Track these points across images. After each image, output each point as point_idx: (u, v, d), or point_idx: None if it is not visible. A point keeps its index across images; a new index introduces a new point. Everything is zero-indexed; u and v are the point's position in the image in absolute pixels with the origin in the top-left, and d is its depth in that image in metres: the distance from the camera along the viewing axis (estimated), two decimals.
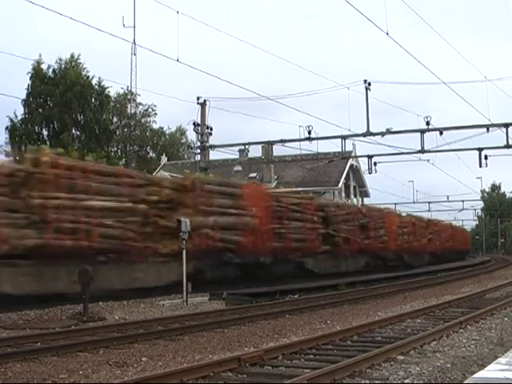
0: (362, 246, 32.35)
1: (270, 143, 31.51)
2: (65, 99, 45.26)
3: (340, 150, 30.83)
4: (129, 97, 54.49)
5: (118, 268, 18.32)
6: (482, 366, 8.01)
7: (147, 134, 59.94)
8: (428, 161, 32.84)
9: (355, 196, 53.53)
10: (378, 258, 35.59)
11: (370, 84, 27.93)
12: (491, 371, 6.74)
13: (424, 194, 67.79)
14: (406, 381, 7.89)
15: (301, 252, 26.49)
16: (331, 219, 29.53)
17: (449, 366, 8.79)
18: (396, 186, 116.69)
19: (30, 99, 46.19)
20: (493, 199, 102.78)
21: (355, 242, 31.34)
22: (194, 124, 30.37)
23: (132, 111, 55.74)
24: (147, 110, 59.17)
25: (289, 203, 26.07)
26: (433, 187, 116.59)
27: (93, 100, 47.78)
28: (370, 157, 31.00)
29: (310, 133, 28.69)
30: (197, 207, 20.98)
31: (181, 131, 65.32)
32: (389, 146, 29.63)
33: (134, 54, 44.60)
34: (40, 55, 46.89)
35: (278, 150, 34.40)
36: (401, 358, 9.35)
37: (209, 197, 21.73)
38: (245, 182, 26.96)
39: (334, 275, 28.00)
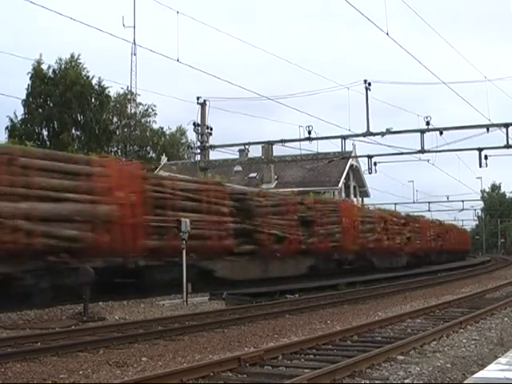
0: (305, 245, 26.96)
1: (270, 143, 31.51)
2: (64, 99, 45.31)
3: (340, 149, 30.83)
4: (129, 97, 54.57)
5: None
6: (482, 366, 8.01)
7: (147, 133, 60.00)
8: (428, 161, 32.90)
9: (355, 196, 53.53)
10: (329, 259, 29.76)
11: (370, 84, 27.94)
12: (491, 371, 6.74)
13: (424, 194, 67.81)
14: (406, 381, 7.89)
15: (198, 252, 20.54)
16: (253, 211, 23.90)
17: (449, 365, 8.79)
18: (396, 185, 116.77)
19: (30, 99, 46.26)
20: (493, 199, 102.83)
21: (292, 241, 25.93)
22: (194, 124, 30.38)
23: (132, 111, 55.84)
24: (147, 110, 59.31)
25: (177, 189, 20.52)
26: (433, 187, 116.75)
27: (93, 100, 47.84)
28: (369, 157, 31.00)
29: (310, 133, 28.70)
30: None
31: (181, 131, 65.40)
32: (389, 146, 29.67)
33: (134, 54, 44.60)
34: (40, 55, 47.11)
35: (278, 150, 34.42)
36: (401, 357, 9.35)
37: (23, 174, 15.76)
38: (97, 158, 19.58)
39: (261, 282, 22.77)
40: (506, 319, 14.17)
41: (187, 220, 18.72)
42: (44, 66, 46.65)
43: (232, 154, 36.76)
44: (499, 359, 7.69)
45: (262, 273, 24.37)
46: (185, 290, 18.28)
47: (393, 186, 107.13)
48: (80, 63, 47.93)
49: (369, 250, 33.62)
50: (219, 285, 21.22)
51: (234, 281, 22.05)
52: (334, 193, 47.09)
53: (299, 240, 26.56)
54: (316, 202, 29.42)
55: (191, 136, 53.73)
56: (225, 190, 23.16)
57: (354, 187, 53.80)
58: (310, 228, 27.79)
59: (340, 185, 47.98)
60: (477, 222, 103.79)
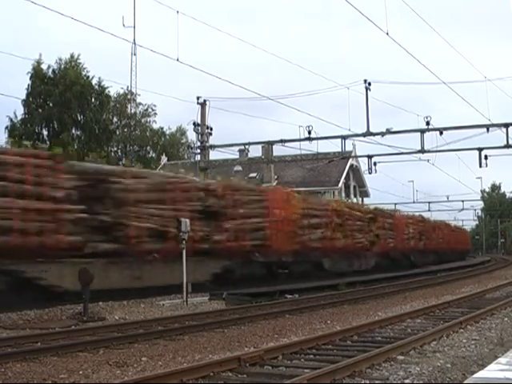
0: (208, 243, 21.26)
1: (270, 143, 31.50)
2: (64, 99, 45.28)
3: (340, 150, 30.81)
4: (129, 97, 54.54)
5: None
6: (482, 366, 8.01)
7: (147, 133, 59.99)
8: (428, 161, 32.89)
9: (355, 196, 53.57)
10: (250, 262, 23.81)
11: (370, 84, 27.91)
12: (491, 371, 6.74)
13: (424, 193, 67.74)
14: (406, 381, 7.89)
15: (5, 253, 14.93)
16: (115, 197, 18.33)
17: (449, 365, 8.79)
18: (396, 186, 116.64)
19: (30, 99, 46.21)
20: (493, 199, 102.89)
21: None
22: (194, 124, 30.38)
23: (132, 111, 55.81)
24: (147, 109, 59.28)
25: None
26: (433, 187, 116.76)
27: (93, 100, 47.81)
28: (369, 157, 30.98)
29: (310, 133, 28.67)
30: None
31: (181, 131, 65.41)
32: (389, 146, 29.64)
33: (134, 54, 44.60)
34: (40, 55, 47.01)
35: (278, 150, 34.37)
36: (401, 357, 9.35)
37: None
38: None
39: (129, 291, 18.12)
40: (506, 319, 14.17)
41: (187, 220, 18.64)
42: (44, 66, 46.67)
43: (232, 153, 36.79)
44: (499, 359, 7.68)
45: (133, 280, 18.46)
46: (185, 289, 18.28)
47: (393, 186, 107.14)
48: (80, 63, 47.91)
49: (315, 249, 27.61)
50: (51, 298, 16.33)
51: (79, 291, 15.77)
52: (334, 193, 47.12)
53: (197, 237, 20.57)
54: (227, 189, 23.11)
55: (191, 136, 53.79)
56: (59, 167, 17.03)
57: (354, 187, 53.83)
58: (218, 221, 22.03)
59: (340, 185, 48.01)
60: (477, 222, 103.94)
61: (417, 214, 49.35)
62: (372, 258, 35.10)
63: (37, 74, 46.03)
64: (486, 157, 28.58)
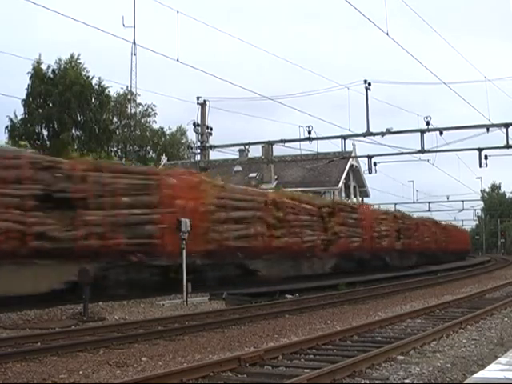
0: (51, 242, 15.95)
1: (270, 143, 31.50)
2: (64, 99, 45.30)
3: (340, 149, 30.82)
4: (129, 97, 54.56)
5: None
6: (482, 366, 8.01)
7: (147, 133, 59.99)
8: (428, 161, 32.92)
9: (355, 196, 53.56)
10: (134, 265, 18.42)
11: (370, 84, 27.93)
12: (491, 371, 6.74)
13: (424, 194, 67.67)
14: (406, 381, 7.89)
15: None
16: None
17: (449, 365, 8.79)
18: (396, 186, 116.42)
19: (30, 99, 46.23)
20: (493, 199, 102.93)
21: (13, 234, 15.20)
22: (194, 124, 30.39)
23: (132, 111, 55.81)
24: (147, 109, 59.27)
25: None
26: (433, 187, 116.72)
27: (93, 100, 47.83)
28: (369, 157, 30.99)
29: (310, 133, 28.68)
30: None
31: (181, 131, 65.40)
32: (389, 146, 29.65)
33: (134, 54, 44.72)
34: (40, 55, 47.03)
35: (278, 150, 34.37)
36: (401, 357, 9.35)
37: None
38: None
39: None
40: (506, 319, 14.18)
41: (187, 220, 18.64)
42: (44, 66, 46.68)
43: (232, 153, 36.81)
44: (499, 359, 7.69)
45: None
46: (185, 290, 18.28)
47: (393, 186, 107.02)
48: (80, 63, 47.92)
49: (238, 249, 22.44)
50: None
51: None
52: (334, 193, 47.12)
53: (33, 232, 15.74)
54: (90, 170, 17.68)
55: (191, 136, 53.74)
56: None
57: (354, 187, 53.82)
58: (72, 212, 16.78)
59: (340, 185, 48.00)
60: (477, 222, 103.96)
61: (391, 209, 44.77)
62: (329, 260, 29.93)
63: (37, 74, 46.04)
64: (486, 157, 28.60)
